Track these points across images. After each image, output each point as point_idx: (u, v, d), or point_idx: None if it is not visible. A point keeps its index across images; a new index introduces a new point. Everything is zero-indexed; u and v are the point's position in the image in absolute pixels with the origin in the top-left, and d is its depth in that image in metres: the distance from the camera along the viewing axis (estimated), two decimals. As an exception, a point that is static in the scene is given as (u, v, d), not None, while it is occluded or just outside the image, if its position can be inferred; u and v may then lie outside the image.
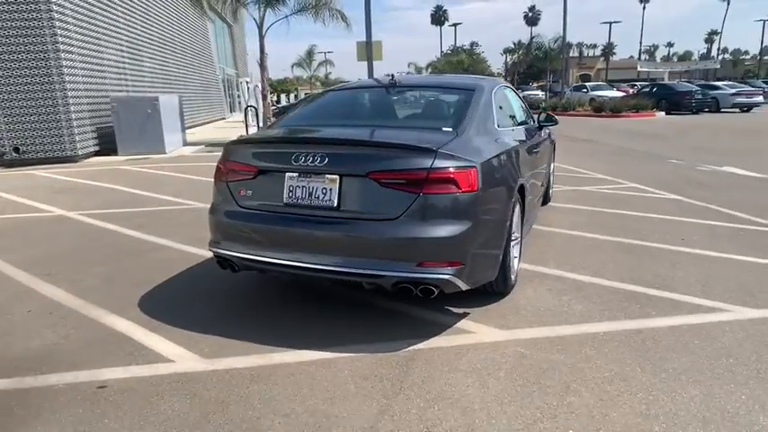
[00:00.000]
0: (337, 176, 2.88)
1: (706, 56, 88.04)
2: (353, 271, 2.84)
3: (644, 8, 74.93)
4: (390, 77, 3.99)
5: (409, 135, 3.18)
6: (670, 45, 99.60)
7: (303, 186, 2.96)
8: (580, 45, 79.66)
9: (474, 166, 2.83)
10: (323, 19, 13.26)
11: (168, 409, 2.39)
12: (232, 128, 20.58)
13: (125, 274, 4.19)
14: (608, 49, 66.86)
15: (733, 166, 9.19)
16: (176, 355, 2.87)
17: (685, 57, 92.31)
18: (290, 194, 2.99)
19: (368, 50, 13.27)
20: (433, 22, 76.57)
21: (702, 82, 30.55)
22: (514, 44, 61.84)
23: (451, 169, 2.76)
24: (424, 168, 2.75)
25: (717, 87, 25.20)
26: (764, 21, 66.32)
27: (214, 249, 3.29)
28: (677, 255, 4.41)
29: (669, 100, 23.46)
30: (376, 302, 3.47)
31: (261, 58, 13.07)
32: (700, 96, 23.40)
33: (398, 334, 3.05)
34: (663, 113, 22.85)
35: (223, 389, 2.54)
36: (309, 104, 4.20)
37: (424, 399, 2.43)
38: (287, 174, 3.00)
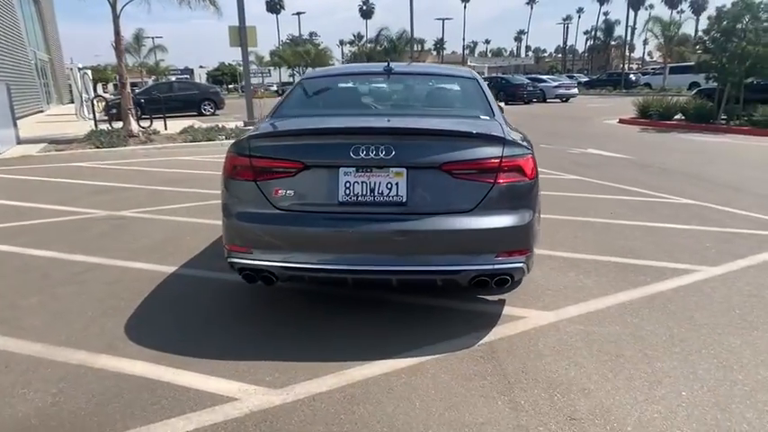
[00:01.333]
0: (404, 169, 2.66)
1: (516, 53, 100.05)
2: (431, 269, 2.69)
3: (465, 7, 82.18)
4: (387, 65, 3.81)
5: (464, 123, 3.06)
6: (487, 42, 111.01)
7: (363, 182, 2.68)
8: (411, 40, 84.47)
9: (531, 154, 2.85)
10: (188, 1, 12.00)
11: (283, 453, 2.02)
12: (62, 122, 17.76)
13: (73, 304, 3.37)
14: (440, 45, 72.00)
15: (592, 148, 10.65)
16: (235, 391, 2.42)
17: (499, 53, 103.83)
18: (347, 192, 2.69)
19: (242, 35, 12.41)
20: (268, 10, 74.52)
21: (533, 75, 34.66)
22: (354, 36, 63.17)
23: (518, 157, 2.75)
24: (498, 157, 2.69)
25: (543, 80, 28.90)
26: (564, 23, 77.83)
27: (242, 260, 2.82)
28: (620, 227, 4.98)
29: (506, 91, 26.18)
30: (406, 301, 3.32)
31: (116, 41, 11.39)
32: (531, 88, 26.58)
33: (458, 330, 2.96)
34: (503, 104, 25.40)
35: (326, 418, 2.22)
36: (307, 92, 3.79)
37: (540, 388, 2.41)
38: (341, 169, 2.69)
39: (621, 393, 2.37)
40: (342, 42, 78.90)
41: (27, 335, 2.97)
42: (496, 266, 2.70)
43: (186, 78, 49.96)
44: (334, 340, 2.88)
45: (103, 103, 16.69)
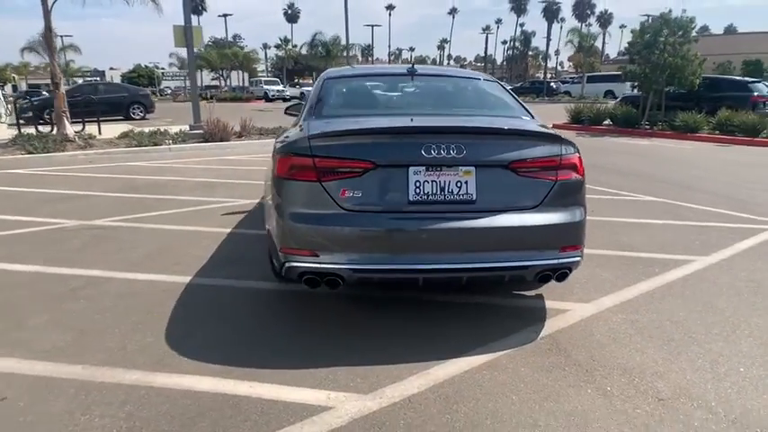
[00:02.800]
0: (473, 168, 2.69)
1: (439, 61, 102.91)
2: (501, 265, 2.73)
3: (390, 15, 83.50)
4: (411, 66, 3.81)
5: (517, 123, 3.12)
6: (412, 50, 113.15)
7: (433, 181, 2.68)
8: (348, 45, 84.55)
9: (579, 151, 2.98)
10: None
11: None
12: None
13: (92, 321, 3.08)
14: (368, 51, 72.50)
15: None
16: (325, 399, 2.33)
17: (423, 60, 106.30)
18: (418, 191, 2.67)
19: (187, 36, 11.85)
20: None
21: None
22: (281, 39, 62.14)
23: (572, 155, 2.87)
24: (558, 155, 2.80)
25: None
26: (486, 33, 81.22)
27: (306, 264, 2.71)
28: (610, 224, 5.29)
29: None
30: (449, 300, 3.34)
31: (47, 38, 10.45)
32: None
33: (513, 325, 3.03)
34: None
35: (433, 419, 2.19)
36: (341, 93, 3.70)
37: (617, 374, 2.52)
38: (411, 168, 2.67)
39: (690, 374, 2.53)
40: (266, 46, 77.31)
41: (56, 356, 2.68)
42: (560, 261, 2.79)
43: (97, 80, 46.77)
44: (396, 342, 2.84)
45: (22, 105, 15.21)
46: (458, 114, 3.42)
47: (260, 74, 57.33)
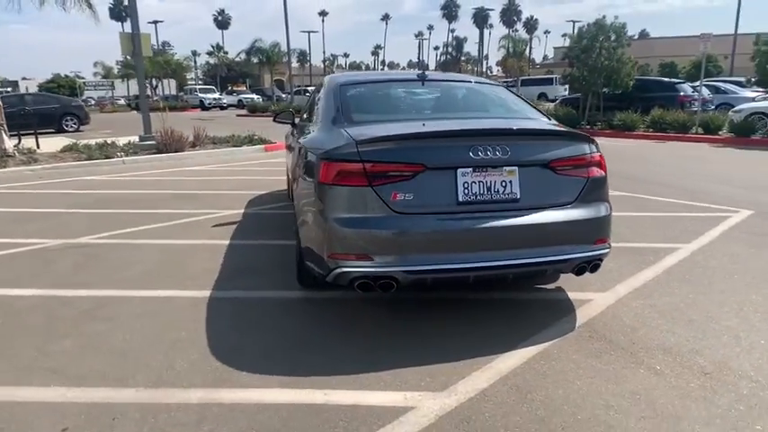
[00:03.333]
0: (516, 168, 2.81)
1: (373, 66, 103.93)
2: (545, 260, 2.86)
3: (323, 21, 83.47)
4: (422, 72, 3.91)
5: (545, 124, 3.28)
6: (346, 56, 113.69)
7: (480, 181, 2.77)
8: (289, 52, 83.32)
9: (600, 150, 3.18)
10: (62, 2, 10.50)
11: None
12: None
13: (122, 341, 2.93)
14: (304, 57, 72.01)
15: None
16: (403, 400, 2.36)
17: (358, 66, 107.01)
18: (466, 191, 2.76)
19: (135, 43, 11.34)
20: (112, 17, 68.19)
21: None
22: (213, 46, 60.48)
23: (597, 153, 3.06)
24: (588, 153, 2.98)
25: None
26: (421, 39, 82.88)
27: (359, 269, 2.72)
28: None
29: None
30: (478, 297, 3.45)
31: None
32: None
33: (547, 317, 3.18)
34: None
35: (515, 409, 2.28)
36: (362, 98, 3.71)
37: (660, 354, 2.72)
38: (459, 170, 2.75)
39: (721, 348, 2.78)
40: (195, 53, 74.90)
41: (99, 381, 2.53)
42: (595, 253, 2.97)
43: (9, 91, 43.56)
44: (446, 341, 2.91)
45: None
46: (488, 117, 3.55)
47: (189, 82, 55.35)
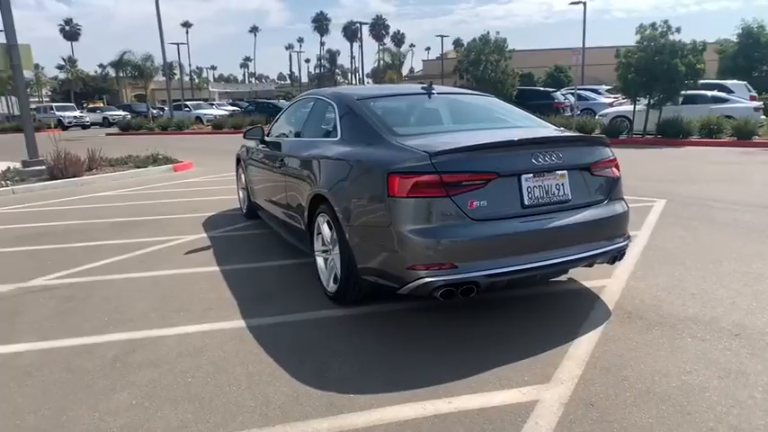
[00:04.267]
0: (566, 171, 3.09)
1: (243, 79, 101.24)
2: (593, 253, 3.16)
3: (187, 32, 79.29)
4: (429, 85, 4.06)
5: (559, 130, 3.58)
6: (213, 68, 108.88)
7: (540, 185, 3.00)
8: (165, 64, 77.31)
9: None
10: None
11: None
12: None
13: (187, 387, 2.67)
14: (168, 70, 67.55)
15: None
16: (522, 396, 2.49)
17: (228, 79, 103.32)
18: (530, 195, 2.97)
19: (12, 55, 9.91)
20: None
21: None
22: (64, 59, 54.38)
23: (614, 156, 3.46)
24: (612, 156, 3.36)
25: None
26: (298, 52, 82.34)
27: (445, 277, 2.80)
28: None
29: (274, 116, 26.77)
30: (505, 295, 3.68)
31: None
32: (298, 112, 27.74)
33: (579, 306, 3.51)
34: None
35: (621, 387, 2.53)
36: (390, 112, 3.71)
37: (693, 325, 3.16)
38: (523, 176, 2.95)
39: (734, 313, 3.30)
40: (38, 66, 66.74)
41: (201, 427, 2.29)
42: (624, 243, 3.36)
43: None
44: (511, 339, 3.08)
45: None
46: (513, 126, 3.79)
47: (35, 98, 49.05)
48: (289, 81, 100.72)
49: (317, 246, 3.84)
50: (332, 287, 3.61)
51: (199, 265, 4.60)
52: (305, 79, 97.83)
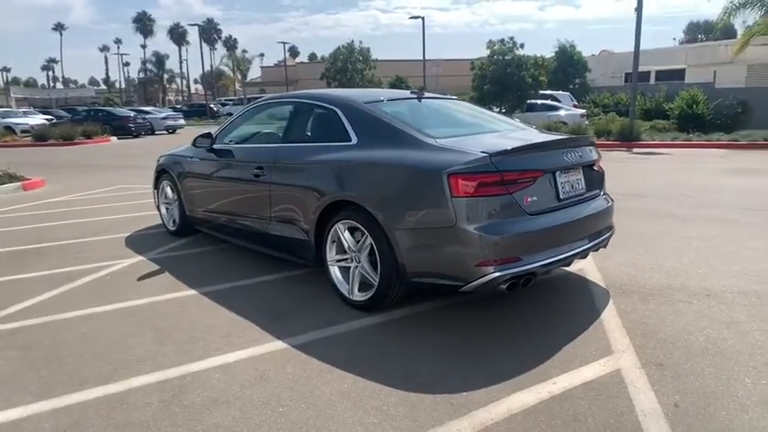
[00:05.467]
0: (581, 168, 3.47)
1: (48, 84, 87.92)
2: (602, 239, 3.60)
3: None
4: (420, 91, 4.16)
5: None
6: (6, 70, 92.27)
7: (567, 181, 3.34)
8: None
9: None
10: None
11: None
12: None
13: (288, 417, 2.43)
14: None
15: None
16: (603, 368, 2.77)
17: (28, 83, 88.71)
18: (563, 190, 3.29)
19: None
20: None
21: (135, 107, 32.15)
22: None
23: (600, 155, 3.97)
24: (599, 155, 3.85)
25: (148, 112, 27.58)
26: (121, 55, 73.66)
27: (512, 270, 2.97)
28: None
29: (113, 125, 23.96)
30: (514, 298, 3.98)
31: None
32: (140, 121, 25.12)
33: (579, 289, 3.96)
34: (116, 138, 23.15)
35: (670, 351, 2.95)
36: (407, 116, 3.67)
37: (699, 293, 3.78)
38: (557, 172, 3.25)
39: (692, 280, 4.02)
40: None
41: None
42: (612, 231, 3.86)
43: None
44: (534, 325, 3.38)
45: None
46: (517, 128, 4.06)
47: None
48: (105, 86, 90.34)
49: (331, 255, 3.70)
50: (359, 295, 3.53)
51: (169, 291, 4.06)
52: (124, 85, 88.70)
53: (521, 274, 3.02)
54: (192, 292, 4.04)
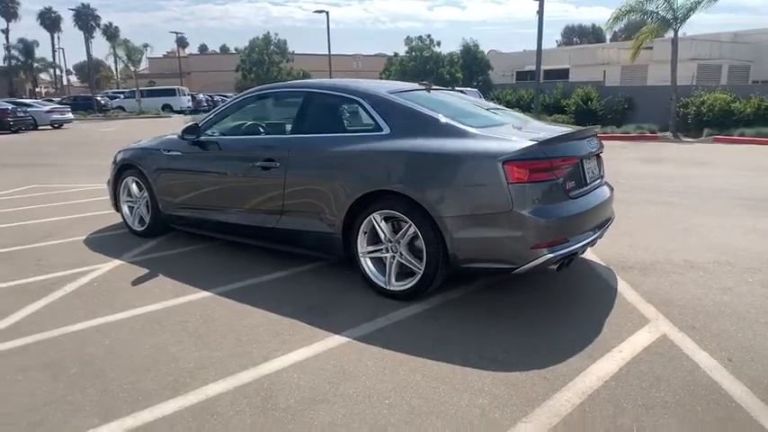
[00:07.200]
0: (595, 156, 3.75)
1: None
2: (611, 221, 3.91)
3: None
4: (425, 82, 4.21)
5: None
6: None
7: (589, 167, 3.60)
8: None
9: None
10: None
11: None
12: None
13: (394, 411, 2.41)
14: None
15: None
16: (650, 337, 3.06)
17: None
18: (588, 176, 3.54)
19: None
20: None
21: (13, 99, 28.02)
22: None
23: (598, 145, 4.31)
24: (599, 143, 4.19)
25: (30, 105, 24.35)
26: None
27: (564, 250, 3.18)
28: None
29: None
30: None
31: None
32: (21, 114, 22.20)
33: (589, 271, 4.27)
34: (-9, 133, 20.28)
35: (708, 334, 3.33)
36: (436, 105, 3.68)
37: (699, 266, 4.23)
38: (584, 159, 3.49)
39: (672, 254, 4.52)
40: None
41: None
42: (614, 216, 4.22)
43: None
44: (582, 305, 3.65)
45: None
46: (527, 118, 4.25)
47: None
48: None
49: (362, 247, 3.65)
50: (397, 285, 3.53)
51: (179, 294, 3.75)
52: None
53: (568, 255, 3.23)
54: (206, 293, 3.76)
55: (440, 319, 3.30)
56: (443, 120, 3.52)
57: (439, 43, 16.97)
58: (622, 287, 3.80)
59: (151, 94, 35.78)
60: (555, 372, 2.66)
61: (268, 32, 17.35)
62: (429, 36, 16.79)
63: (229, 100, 4.74)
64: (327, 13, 34.18)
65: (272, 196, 4.06)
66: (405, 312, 3.41)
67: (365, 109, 3.77)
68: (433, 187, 3.29)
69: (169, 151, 4.81)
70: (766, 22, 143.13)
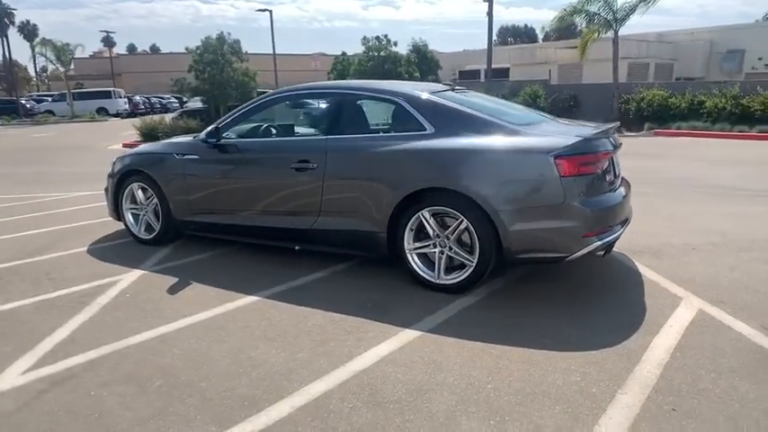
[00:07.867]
0: (613, 152, 4.04)
1: None
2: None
3: None
4: (449, 83, 4.36)
5: None
6: None
7: (615, 161, 3.88)
8: None
9: None
10: None
11: None
12: None
13: (496, 398, 2.56)
14: None
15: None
16: (691, 313, 3.38)
17: None
18: (614, 169, 3.82)
19: None
20: None
21: None
22: None
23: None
24: (613, 140, 4.50)
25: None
26: None
27: (607, 238, 3.46)
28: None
29: None
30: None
31: None
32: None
33: (606, 258, 4.58)
34: None
35: (741, 302, 3.69)
36: (473, 105, 3.82)
37: (701, 250, 4.62)
38: (611, 155, 3.76)
39: (672, 239, 4.93)
40: None
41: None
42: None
43: None
44: (620, 293, 3.93)
45: None
46: (546, 116, 4.46)
47: None
48: None
49: (409, 244, 3.75)
50: (447, 278, 3.67)
51: (225, 301, 3.69)
52: None
53: (611, 242, 3.50)
54: (254, 297, 3.74)
55: (498, 309, 3.47)
56: (487, 117, 3.69)
57: (396, 43, 17.16)
58: (643, 270, 4.13)
59: (83, 96, 33.68)
60: (626, 348, 2.90)
61: (221, 32, 16.81)
62: (386, 36, 17.01)
63: (248, 103, 4.68)
64: (271, 12, 33.79)
65: (309, 198, 4.07)
66: (460, 304, 3.54)
67: (405, 109, 3.87)
68: (486, 183, 3.45)
69: (185, 155, 4.69)
70: (682, 22, 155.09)
